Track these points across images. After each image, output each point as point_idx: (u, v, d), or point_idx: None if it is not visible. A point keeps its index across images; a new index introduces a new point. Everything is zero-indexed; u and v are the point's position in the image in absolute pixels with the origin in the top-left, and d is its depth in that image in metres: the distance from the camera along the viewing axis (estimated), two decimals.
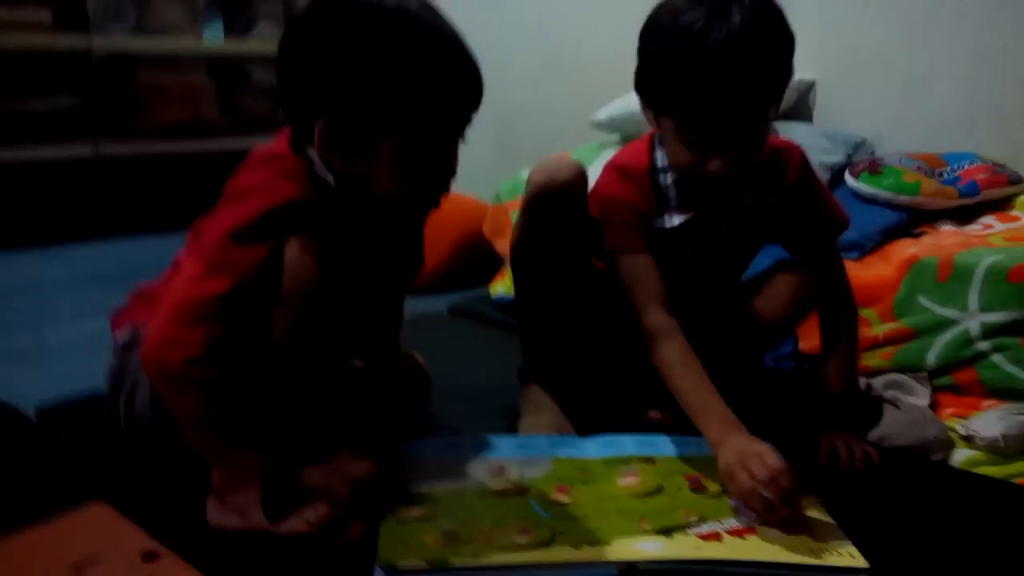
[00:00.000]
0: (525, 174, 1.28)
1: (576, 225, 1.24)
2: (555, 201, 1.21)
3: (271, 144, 1.05)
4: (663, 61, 1.08)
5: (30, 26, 2.53)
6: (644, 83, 1.15)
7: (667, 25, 1.08)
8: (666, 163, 1.21)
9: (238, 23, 3.04)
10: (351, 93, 0.95)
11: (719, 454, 1.05)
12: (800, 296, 1.30)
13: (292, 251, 0.97)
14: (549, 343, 1.31)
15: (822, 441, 1.22)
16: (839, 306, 1.29)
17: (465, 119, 1.02)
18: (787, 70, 1.11)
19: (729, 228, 1.26)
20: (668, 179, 1.22)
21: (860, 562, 0.94)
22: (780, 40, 1.08)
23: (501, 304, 1.97)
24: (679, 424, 1.23)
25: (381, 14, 0.95)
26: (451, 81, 0.98)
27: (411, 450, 1.17)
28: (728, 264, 1.33)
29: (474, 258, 2.20)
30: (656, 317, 1.17)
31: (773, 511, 0.98)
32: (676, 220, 1.22)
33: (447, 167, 1.03)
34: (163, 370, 0.95)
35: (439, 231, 2.18)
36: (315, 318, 0.99)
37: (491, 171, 2.24)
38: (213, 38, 2.97)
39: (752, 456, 1.00)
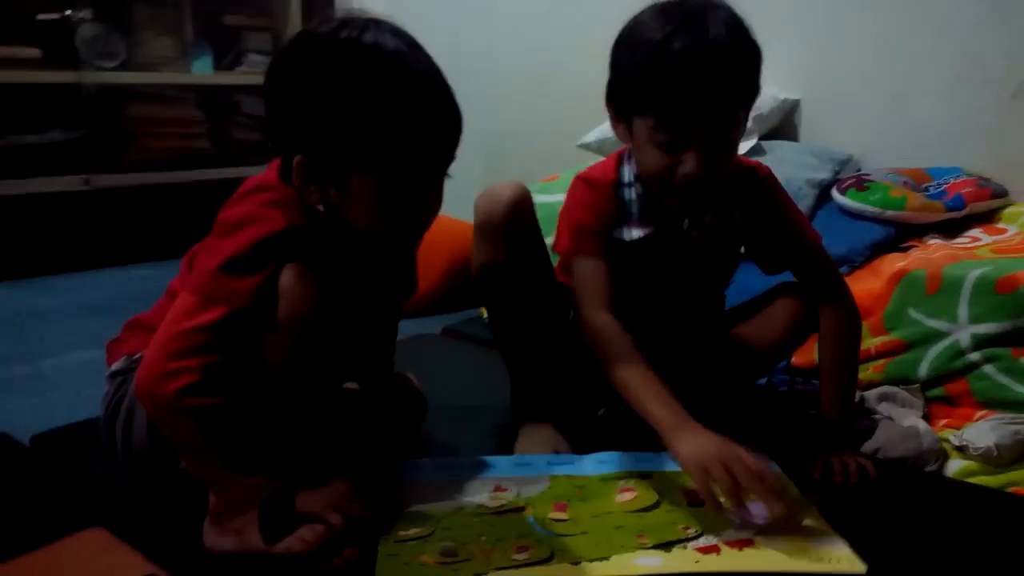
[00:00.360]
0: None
1: (529, 243, 1.26)
2: (503, 223, 1.23)
3: (263, 173, 1.05)
4: (640, 65, 1.11)
5: (20, 62, 2.55)
6: (618, 91, 1.17)
7: (643, 38, 1.12)
8: (632, 178, 1.23)
9: (227, 55, 3.07)
10: (323, 130, 0.95)
11: (677, 441, 1.03)
12: (798, 320, 1.29)
13: (288, 278, 0.97)
14: (527, 363, 1.31)
15: (818, 458, 1.22)
16: (835, 325, 1.25)
17: (442, 159, 1.00)
18: (757, 79, 1.14)
19: (691, 246, 1.27)
20: (632, 193, 1.24)
21: (858, 567, 0.95)
22: (751, 49, 1.13)
23: None
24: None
25: (357, 54, 0.95)
26: (423, 122, 0.96)
27: (408, 469, 1.17)
28: (698, 282, 1.34)
29: (467, 280, 2.19)
30: (601, 316, 1.17)
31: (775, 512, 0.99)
32: (636, 234, 1.24)
33: (425, 204, 1.02)
34: (158, 400, 0.95)
35: (432, 254, 2.18)
36: (311, 343, 1.00)
37: None
38: (202, 70, 2.98)
39: (732, 459, 0.99)
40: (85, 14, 2.67)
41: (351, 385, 1.30)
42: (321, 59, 0.96)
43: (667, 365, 1.15)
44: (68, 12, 2.65)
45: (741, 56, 1.11)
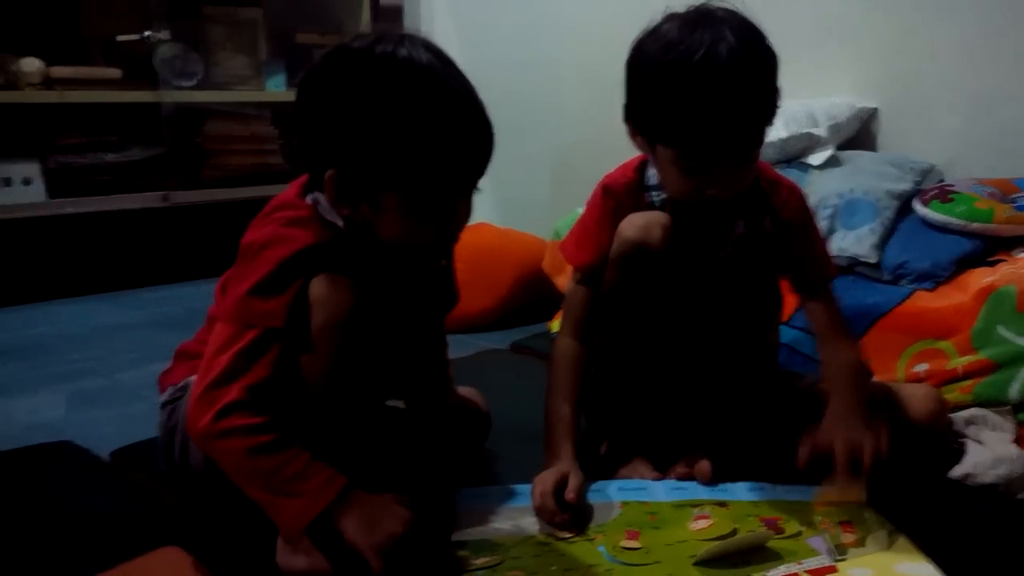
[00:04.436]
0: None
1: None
2: (647, 258, 1.18)
3: (285, 192, 1.08)
4: (661, 94, 1.07)
5: (102, 82, 2.64)
6: (638, 114, 1.14)
7: (660, 58, 1.07)
8: (657, 180, 1.21)
9: (299, 73, 3.11)
10: (357, 146, 0.97)
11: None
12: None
13: (318, 287, 0.98)
14: (630, 394, 1.27)
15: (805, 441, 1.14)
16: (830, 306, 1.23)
17: (474, 172, 1.02)
18: (776, 91, 1.10)
19: (726, 254, 1.23)
20: (659, 198, 1.22)
21: None
22: (768, 63, 1.09)
23: None
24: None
25: (391, 69, 0.96)
26: (457, 136, 0.98)
27: (476, 497, 1.15)
28: (732, 291, 1.27)
29: (535, 295, 2.19)
30: (567, 341, 1.24)
31: None
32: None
33: (455, 217, 1.03)
34: (199, 430, 0.96)
35: (499, 268, 2.18)
36: (350, 356, 1.00)
37: (549, 208, 2.23)
38: (276, 88, 3.05)
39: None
40: (163, 35, 2.75)
41: (397, 405, 1.29)
42: (355, 74, 0.97)
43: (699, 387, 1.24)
44: (147, 33, 2.72)
45: (759, 77, 1.07)
